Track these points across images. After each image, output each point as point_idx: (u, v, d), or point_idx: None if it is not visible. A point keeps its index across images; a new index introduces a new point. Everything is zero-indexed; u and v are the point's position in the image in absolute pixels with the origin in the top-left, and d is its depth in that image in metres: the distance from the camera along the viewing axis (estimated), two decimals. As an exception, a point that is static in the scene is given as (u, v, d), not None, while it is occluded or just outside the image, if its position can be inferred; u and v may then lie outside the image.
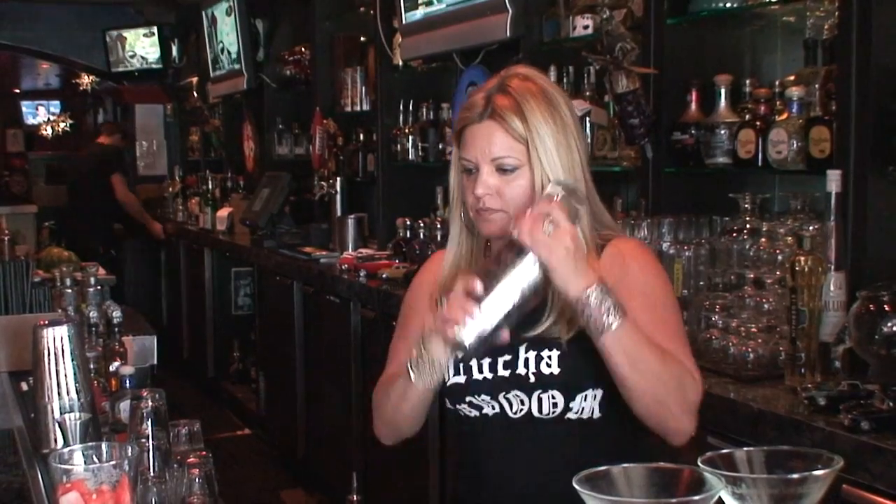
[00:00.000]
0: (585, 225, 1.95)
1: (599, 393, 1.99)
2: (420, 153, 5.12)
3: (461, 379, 2.05)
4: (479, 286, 1.77)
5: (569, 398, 1.98)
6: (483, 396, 2.02)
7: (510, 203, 2.00)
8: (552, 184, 1.86)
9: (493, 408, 2.03)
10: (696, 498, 1.09)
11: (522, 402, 2.00)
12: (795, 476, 1.12)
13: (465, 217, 2.11)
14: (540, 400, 1.99)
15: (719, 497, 1.13)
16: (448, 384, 2.06)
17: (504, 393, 2.01)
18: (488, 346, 1.83)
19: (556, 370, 1.97)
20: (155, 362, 3.46)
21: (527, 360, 1.99)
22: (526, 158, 1.99)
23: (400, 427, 2.12)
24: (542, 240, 1.77)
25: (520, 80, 2.03)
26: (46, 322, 2.19)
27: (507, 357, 1.99)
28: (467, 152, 2.02)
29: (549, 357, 1.98)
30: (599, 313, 1.81)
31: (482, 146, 2.00)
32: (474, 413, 2.05)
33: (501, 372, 2.00)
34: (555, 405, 1.99)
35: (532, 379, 1.99)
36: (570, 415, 1.99)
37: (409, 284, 2.29)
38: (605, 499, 1.10)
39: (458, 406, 2.07)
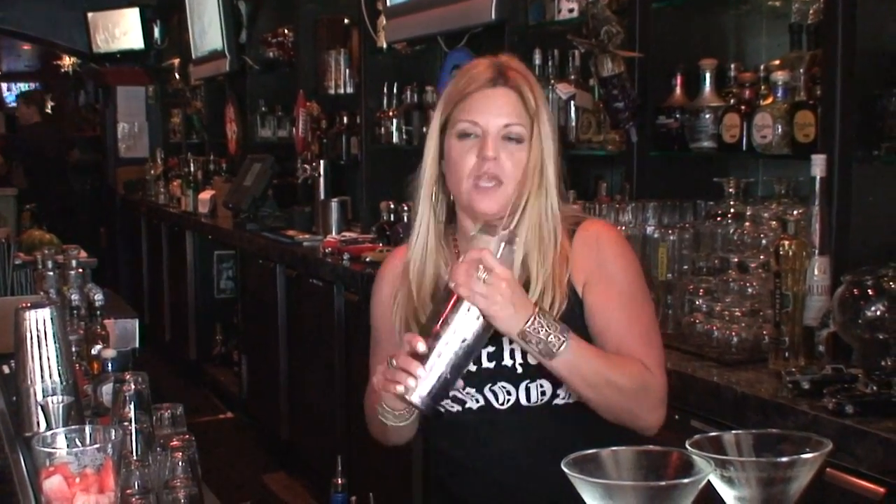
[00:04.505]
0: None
1: None
2: (404, 136, 5.10)
3: None
4: (421, 346, 1.77)
5: (557, 385, 1.97)
6: (468, 390, 1.99)
7: (509, 175, 1.98)
8: (479, 231, 1.85)
9: (478, 401, 2.00)
10: (686, 481, 1.09)
11: (509, 393, 1.99)
12: (784, 459, 1.12)
13: (441, 199, 2.09)
14: (528, 389, 1.98)
15: (708, 480, 1.13)
16: None
17: (490, 385, 1.99)
18: (443, 397, 1.82)
19: None
20: (137, 345, 3.45)
21: (512, 350, 1.98)
22: (529, 134, 1.99)
23: (391, 441, 2.10)
24: (480, 291, 1.77)
25: (516, 62, 2.04)
26: (29, 304, 2.17)
27: (491, 349, 1.97)
28: (475, 116, 1.98)
29: None
30: (544, 340, 1.83)
31: (494, 111, 1.97)
32: (456, 408, 2.02)
33: (486, 364, 1.98)
34: (543, 393, 1.98)
35: (519, 370, 1.97)
36: (558, 400, 1.99)
37: (371, 297, 2.24)
38: (594, 481, 1.10)
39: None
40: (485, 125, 1.97)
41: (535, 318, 1.82)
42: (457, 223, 2.11)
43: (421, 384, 1.77)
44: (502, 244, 1.81)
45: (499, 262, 1.79)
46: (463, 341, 1.79)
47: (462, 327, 1.79)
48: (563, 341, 1.83)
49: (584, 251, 2.02)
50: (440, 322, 1.80)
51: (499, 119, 1.97)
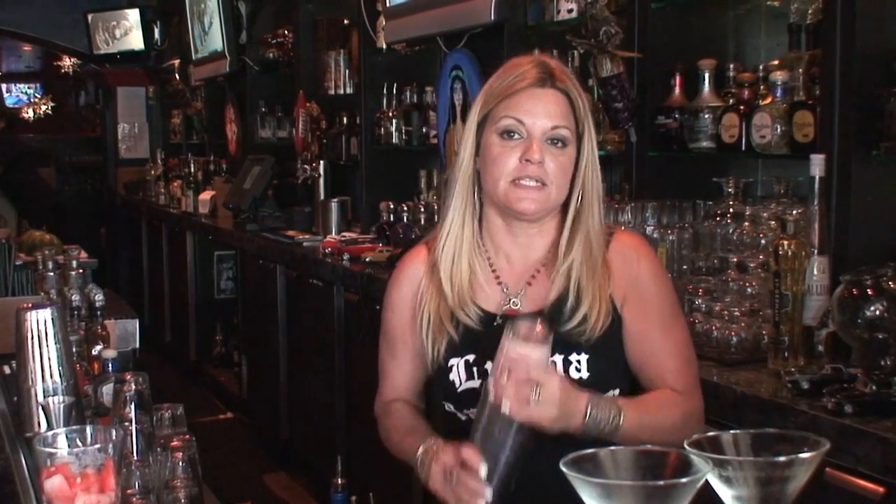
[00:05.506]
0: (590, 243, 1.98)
1: (618, 391, 1.99)
2: (404, 136, 5.11)
3: (476, 384, 1.96)
4: (484, 469, 1.74)
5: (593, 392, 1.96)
6: None
7: (552, 177, 1.94)
8: (509, 335, 1.76)
9: None
10: (683, 480, 1.09)
11: None
12: (782, 459, 1.13)
13: (477, 196, 2.03)
14: None
15: (706, 479, 1.13)
16: (460, 390, 1.98)
17: None
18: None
19: (584, 374, 1.94)
20: (137, 346, 3.45)
21: (553, 364, 1.93)
22: (574, 138, 1.96)
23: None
24: (534, 412, 1.74)
25: (558, 63, 2.01)
26: (30, 305, 2.18)
27: None
28: (521, 114, 1.93)
29: (579, 361, 1.94)
30: (601, 429, 1.82)
31: (542, 112, 1.93)
32: (469, 415, 1.97)
33: None
34: None
35: None
36: None
37: (387, 297, 2.18)
38: (593, 481, 1.10)
39: (465, 411, 1.98)
40: (530, 126, 1.93)
41: (588, 413, 1.81)
42: (484, 221, 2.07)
43: (488, 493, 1.77)
44: (537, 347, 1.75)
45: (546, 373, 1.75)
46: (520, 453, 1.78)
47: (518, 438, 1.77)
48: (618, 422, 1.83)
49: (623, 265, 2.00)
50: (495, 441, 1.76)
51: (545, 121, 1.93)
